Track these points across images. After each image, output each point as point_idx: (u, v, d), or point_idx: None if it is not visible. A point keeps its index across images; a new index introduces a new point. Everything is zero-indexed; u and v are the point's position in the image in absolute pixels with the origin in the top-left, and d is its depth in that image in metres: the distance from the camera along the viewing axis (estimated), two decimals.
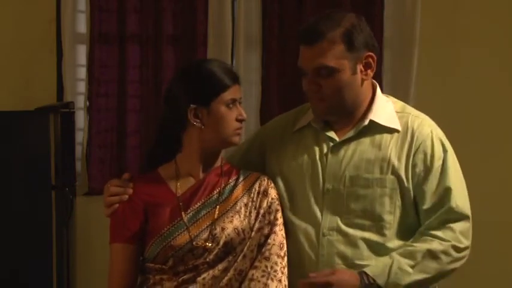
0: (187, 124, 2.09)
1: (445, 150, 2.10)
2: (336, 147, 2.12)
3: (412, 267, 2.02)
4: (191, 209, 2.08)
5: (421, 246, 2.04)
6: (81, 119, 4.11)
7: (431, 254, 2.03)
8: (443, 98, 3.93)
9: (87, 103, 4.06)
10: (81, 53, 4.13)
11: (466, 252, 2.10)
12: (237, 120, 2.08)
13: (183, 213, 2.07)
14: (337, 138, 2.13)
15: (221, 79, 2.05)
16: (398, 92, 3.85)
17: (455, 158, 2.14)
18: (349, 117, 2.14)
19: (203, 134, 2.08)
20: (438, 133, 2.13)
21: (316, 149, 2.14)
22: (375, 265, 2.02)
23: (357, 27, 2.06)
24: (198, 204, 2.09)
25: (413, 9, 3.87)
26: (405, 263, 2.02)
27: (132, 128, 4.05)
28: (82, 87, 4.12)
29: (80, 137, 4.10)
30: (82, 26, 4.11)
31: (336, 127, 2.15)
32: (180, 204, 2.08)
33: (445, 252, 2.05)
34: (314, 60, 2.04)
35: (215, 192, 2.11)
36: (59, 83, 4.09)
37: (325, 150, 2.13)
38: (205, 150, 2.10)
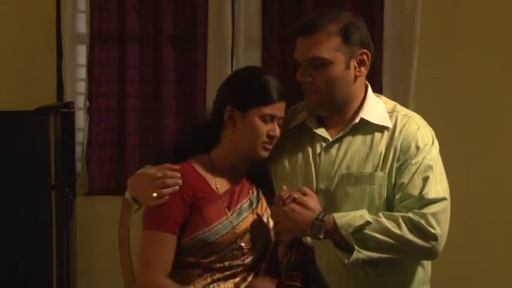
0: (225, 123, 2.11)
1: (429, 147, 2.10)
2: (329, 147, 2.14)
3: (372, 219, 2.01)
4: (232, 210, 2.10)
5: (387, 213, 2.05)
6: (81, 119, 4.11)
7: (395, 220, 2.01)
8: (443, 98, 3.93)
9: (87, 103, 4.06)
10: (81, 53, 4.13)
11: (436, 243, 2.02)
12: (268, 135, 2.08)
13: (228, 212, 2.09)
14: (329, 138, 2.15)
15: (269, 92, 2.07)
16: (398, 92, 3.86)
17: (439, 155, 2.14)
18: (341, 115, 2.16)
19: (235, 136, 2.10)
20: (424, 131, 2.14)
21: (310, 148, 2.16)
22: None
23: (354, 24, 2.10)
24: (237, 207, 2.11)
25: (413, 9, 3.86)
26: (368, 215, 2.03)
27: (132, 128, 4.05)
28: (82, 87, 4.12)
29: (80, 137, 4.10)
30: (82, 26, 4.11)
31: (328, 125, 2.17)
32: (224, 203, 2.09)
33: (409, 224, 2.01)
34: (309, 50, 2.06)
35: (246, 199, 2.13)
36: (59, 83, 4.09)
37: (318, 150, 2.15)
38: (237, 152, 2.12)
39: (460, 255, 3.80)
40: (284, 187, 2.08)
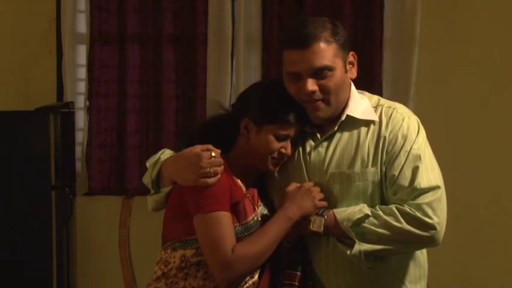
0: (240, 131, 2.14)
1: (416, 135, 2.11)
2: (318, 145, 2.15)
3: (371, 212, 2.04)
4: (257, 209, 2.12)
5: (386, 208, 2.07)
6: (81, 119, 4.11)
7: (393, 213, 2.03)
8: (443, 98, 3.93)
9: (87, 103, 4.06)
10: (81, 53, 4.12)
11: (435, 231, 2.04)
12: (280, 152, 2.10)
13: (257, 209, 2.11)
14: (319, 136, 2.16)
15: (287, 115, 2.09)
16: (398, 92, 3.86)
17: (426, 141, 2.14)
18: None
19: (247, 147, 2.12)
20: (409, 120, 2.14)
21: (300, 148, 2.17)
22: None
23: (338, 27, 2.11)
24: (259, 208, 2.13)
25: (413, 9, 3.86)
26: (367, 208, 2.06)
27: (132, 128, 4.04)
28: (82, 87, 4.12)
29: (80, 137, 4.10)
30: (82, 26, 4.11)
31: (319, 125, 2.17)
32: (251, 200, 2.11)
33: (406, 216, 2.02)
34: (313, 61, 2.05)
35: (254, 214, 2.11)
36: (59, 83, 4.09)
37: (308, 149, 2.16)
38: (248, 161, 2.13)
39: (458, 254, 3.81)
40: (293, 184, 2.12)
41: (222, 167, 2.03)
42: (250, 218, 2.07)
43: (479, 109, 3.93)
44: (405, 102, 3.77)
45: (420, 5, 3.85)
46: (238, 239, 2.02)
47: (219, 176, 2.02)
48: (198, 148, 2.05)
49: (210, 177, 2.00)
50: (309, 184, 2.10)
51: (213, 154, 2.03)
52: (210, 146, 2.05)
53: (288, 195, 2.09)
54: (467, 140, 3.92)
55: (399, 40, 3.92)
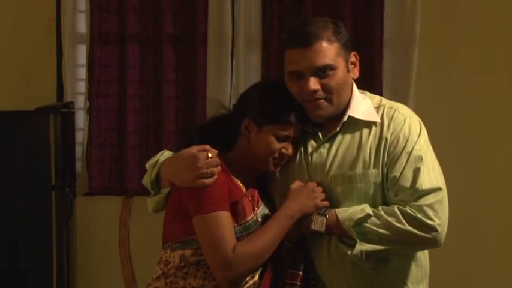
0: (241, 132, 2.14)
1: (417, 136, 2.11)
2: (320, 146, 2.15)
3: (373, 212, 2.04)
4: (257, 209, 2.12)
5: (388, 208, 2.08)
6: (81, 119, 4.11)
7: (395, 214, 2.03)
8: (443, 98, 3.93)
9: (87, 103, 4.06)
10: (81, 53, 4.13)
11: (437, 233, 2.04)
12: (281, 153, 2.11)
13: (256, 209, 2.11)
14: (321, 137, 2.16)
15: (288, 115, 2.09)
16: (398, 92, 3.86)
17: (428, 142, 2.14)
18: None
19: (248, 148, 2.12)
20: (411, 120, 2.14)
21: (302, 148, 2.17)
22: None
23: (341, 28, 2.12)
24: (259, 208, 2.13)
25: (413, 9, 3.86)
26: (369, 208, 2.06)
27: (132, 128, 4.04)
28: (82, 87, 4.12)
29: (80, 137, 4.10)
30: (82, 26, 4.11)
31: (321, 125, 2.17)
32: (250, 200, 2.11)
33: (407, 217, 2.03)
34: (316, 60, 2.05)
35: (261, 203, 2.14)
36: (59, 83, 4.09)
37: (309, 149, 2.16)
38: (249, 161, 2.14)
39: (459, 254, 3.81)
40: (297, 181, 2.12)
41: (219, 167, 2.03)
42: (249, 218, 2.07)
43: (479, 109, 3.93)
44: (405, 102, 3.75)
45: (420, 5, 3.85)
46: (237, 239, 2.02)
47: (215, 176, 2.02)
48: (194, 149, 2.05)
49: (206, 177, 2.01)
50: (312, 184, 2.11)
51: (210, 155, 2.03)
52: (207, 147, 2.06)
53: (290, 193, 2.10)
54: (467, 140, 3.93)
55: (399, 40, 3.92)
